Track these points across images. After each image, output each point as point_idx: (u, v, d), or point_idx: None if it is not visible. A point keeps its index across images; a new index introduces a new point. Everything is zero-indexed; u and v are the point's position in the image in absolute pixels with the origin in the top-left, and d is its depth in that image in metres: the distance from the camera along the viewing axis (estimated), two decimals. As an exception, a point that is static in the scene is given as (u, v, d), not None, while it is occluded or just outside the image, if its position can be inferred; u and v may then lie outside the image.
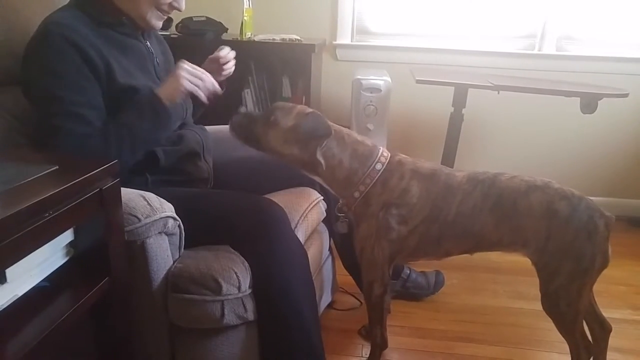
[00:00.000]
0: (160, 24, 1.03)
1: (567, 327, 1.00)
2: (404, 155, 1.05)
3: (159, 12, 1.00)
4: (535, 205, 0.95)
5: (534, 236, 0.96)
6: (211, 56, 1.10)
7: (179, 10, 1.02)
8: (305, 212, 1.12)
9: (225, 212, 0.96)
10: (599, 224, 0.93)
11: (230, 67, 1.11)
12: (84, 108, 0.89)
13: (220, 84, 1.05)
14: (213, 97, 1.03)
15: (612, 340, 1.09)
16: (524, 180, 0.98)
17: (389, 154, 1.03)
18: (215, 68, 1.08)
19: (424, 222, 0.99)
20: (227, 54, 1.10)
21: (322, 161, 0.98)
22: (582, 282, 0.95)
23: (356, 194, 1.01)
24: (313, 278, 1.02)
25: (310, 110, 1.01)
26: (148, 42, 1.06)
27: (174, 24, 1.75)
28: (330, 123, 1.01)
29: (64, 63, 0.88)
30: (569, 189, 0.97)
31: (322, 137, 0.97)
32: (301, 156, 0.98)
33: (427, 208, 0.98)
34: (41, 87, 0.91)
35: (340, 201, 1.06)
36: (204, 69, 1.00)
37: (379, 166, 1.00)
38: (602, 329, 1.08)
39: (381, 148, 1.03)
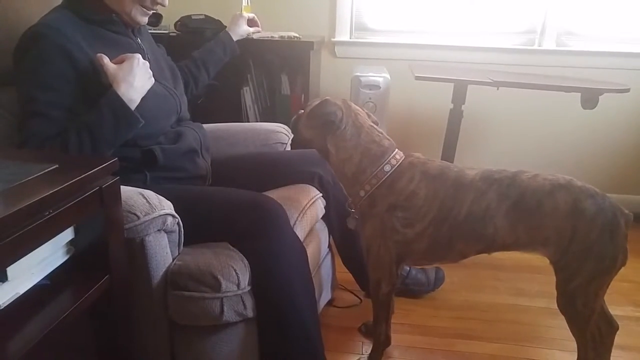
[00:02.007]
0: (145, 19, 1.04)
1: (580, 326, 0.99)
2: (417, 155, 1.03)
3: (143, 8, 1.01)
4: (561, 204, 0.92)
5: (557, 236, 0.94)
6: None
7: (163, 6, 1.03)
8: (304, 209, 1.12)
9: (224, 210, 0.96)
10: (621, 222, 0.92)
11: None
12: (56, 110, 0.89)
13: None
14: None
15: (615, 337, 1.09)
16: (547, 179, 0.95)
17: (402, 157, 1.02)
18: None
19: (432, 224, 0.98)
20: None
21: (332, 150, 1.00)
22: (602, 281, 0.94)
23: (362, 193, 1.01)
24: (312, 275, 1.02)
25: (331, 97, 1.02)
26: (139, 39, 1.07)
27: (172, 22, 1.76)
28: (357, 118, 1.01)
29: (45, 65, 0.89)
30: (591, 186, 0.95)
31: (329, 123, 0.98)
32: (318, 142, 1.02)
33: (434, 209, 0.97)
34: (21, 87, 0.93)
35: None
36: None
37: (387, 168, 0.99)
38: (610, 327, 1.07)
39: (396, 150, 1.02)
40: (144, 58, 1.05)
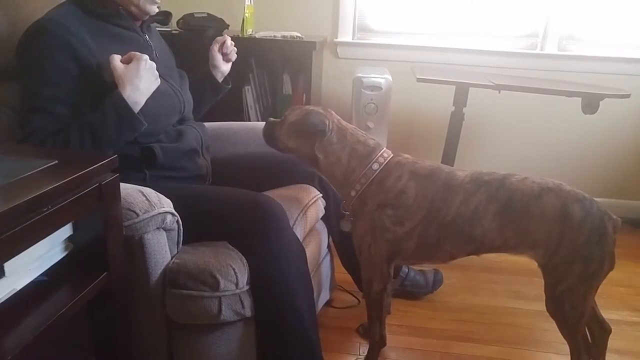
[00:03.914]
0: (154, 8, 1.02)
1: (570, 329, 0.99)
2: (406, 156, 1.05)
3: None
4: (549, 208, 0.93)
5: (545, 239, 0.94)
6: (219, 41, 1.18)
7: None
8: (304, 209, 1.12)
9: (224, 209, 0.96)
10: (609, 227, 0.92)
11: (232, 55, 1.20)
12: (58, 105, 0.88)
13: (225, 80, 1.22)
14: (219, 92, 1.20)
15: (611, 342, 1.09)
16: (535, 182, 0.96)
17: (390, 155, 1.03)
18: (220, 56, 1.18)
19: (421, 223, 0.98)
20: (230, 44, 1.19)
21: (320, 156, 1.02)
22: (589, 285, 0.95)
23: (352, 193, 1.03)
24: (311, 275, 1.02)
25: (314, 107, 1.05)
26: (147, 36, 1.06)
27: (175, 20, 1.75)
28: (340, 122, 1.05)
29: (49, 60, 0.89)
30: (580, 191, 0.95)
31: (318, 132, 1.01)
32: (305, 150, 1.04)
33: (424, 208, 0.98)
34: (24, 81, 0.92)
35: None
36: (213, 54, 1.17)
37: (375, 166, 1.01)
38: (602, 330, 1.08)
39: (383, 149, 1.04)
40: (151, 54, 1.04)
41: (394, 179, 0.99)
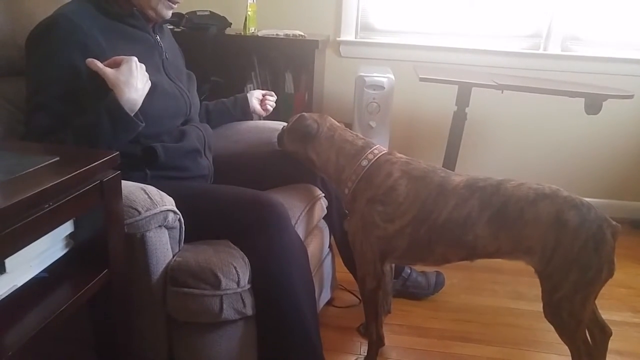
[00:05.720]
0: (169, 13, 1.02)
1: (569, 335, 0.98)
2: (399, 155, 1.05)
3: (168, 2, 1.00)
4: (544, 214, 0.92)
5: (540, 245, 0.93)
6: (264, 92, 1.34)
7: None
8: (306, 208, 1.12)
9: (226, 207, 0.96)
10: (607, 234, 0.91)
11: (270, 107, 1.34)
12: (64, 103, 0.87)
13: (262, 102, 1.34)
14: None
15: (612, 343, 1.09)
16: (531, 188, 0.95)
17: (381, 152, 1.05)
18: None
19: (412, 223, 0.98)
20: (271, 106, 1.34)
21: (314, 157, 1.09)
22: (587, 292, 0.93)
23: (346, 190, 1.05)
24: (312, 274, 1.02)
25: (306, 113, 1.13)
26: (158, 37, 1.06)
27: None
28: (332, 124, 1.11)
29: (58, 57, 0.88)
30: (578, 196, 0.94)
31: (308, 134, 1.08)
32: (302, 153, 1.11)
33: (415, 208, 0.98)
34: (31, 77, 0.92)
35: None
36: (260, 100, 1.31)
37: (364, 163, 1.03)
38: (602, 333, 1.07)
39: (373, 147, 1.06)
40: (161, 55, 1.04)
41: (384, 176, 1.00)
